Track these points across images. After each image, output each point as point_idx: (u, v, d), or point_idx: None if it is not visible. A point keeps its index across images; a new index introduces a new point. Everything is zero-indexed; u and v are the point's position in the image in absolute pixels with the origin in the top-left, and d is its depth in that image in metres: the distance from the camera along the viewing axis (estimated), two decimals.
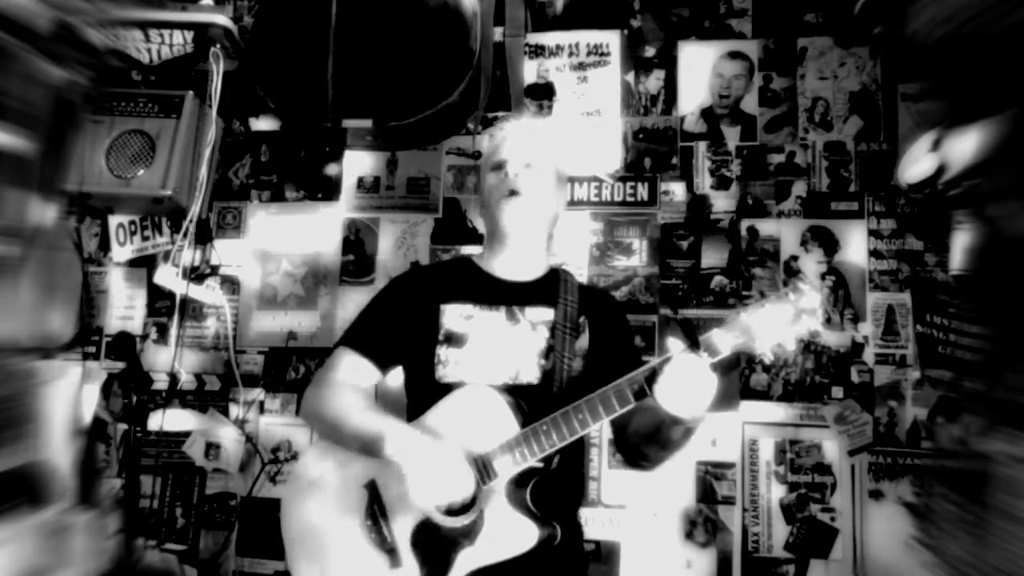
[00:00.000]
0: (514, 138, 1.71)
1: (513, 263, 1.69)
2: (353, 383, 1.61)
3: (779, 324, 1.35)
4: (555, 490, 1.51)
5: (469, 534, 1.43)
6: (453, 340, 1.60)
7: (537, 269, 1.71)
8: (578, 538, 1.69)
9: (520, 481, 1.45)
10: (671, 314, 2.56)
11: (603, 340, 1.66)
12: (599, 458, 2.51)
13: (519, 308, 1.63)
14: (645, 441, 1.52)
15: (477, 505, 1.43)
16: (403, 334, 1.64)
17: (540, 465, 1.45)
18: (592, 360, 1.63)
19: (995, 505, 1.07)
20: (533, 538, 1.42)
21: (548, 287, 1.68)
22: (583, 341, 1.64)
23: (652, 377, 1.36)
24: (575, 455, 1.57)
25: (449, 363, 1.59)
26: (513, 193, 1.62)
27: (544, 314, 1.63)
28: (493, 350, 1.59)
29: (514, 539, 1.43)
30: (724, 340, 1.35)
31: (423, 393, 1.59)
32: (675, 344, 1.35)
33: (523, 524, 1.43)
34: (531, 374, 1.58)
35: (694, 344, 1.33)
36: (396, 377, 1.70)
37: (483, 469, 1.43)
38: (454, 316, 1.62)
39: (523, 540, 1.42)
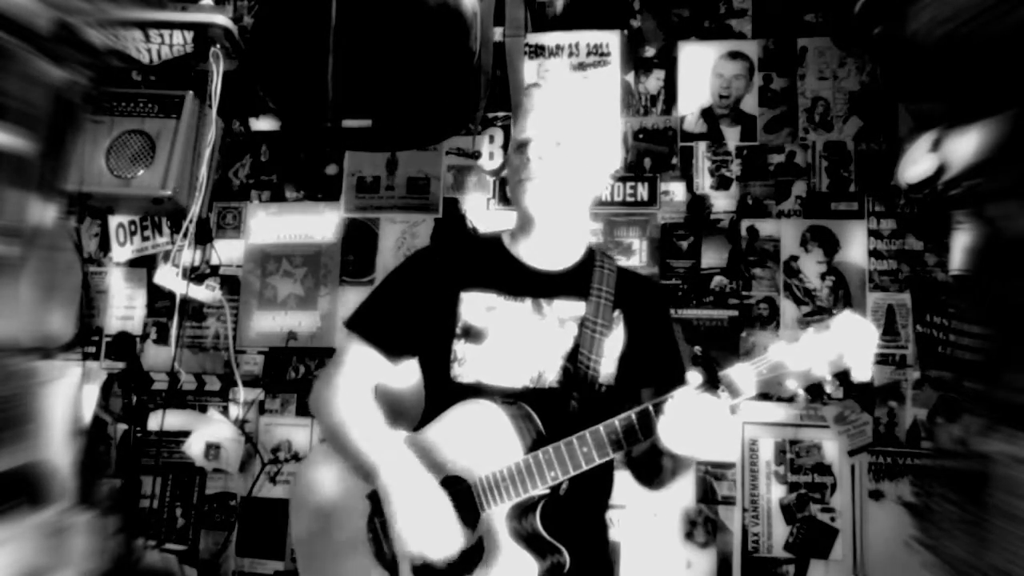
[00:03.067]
0: (543, 110, 1.49)
1: (542, 250, 1.53)
2: (361, 380, 1.52)
3: (818, 361, 1.14)
4: (569, 510, 1.39)
5: (467, 562, 1.34)
6: (472, 335, 1.47)
7: (570, 256, 1.55)
8: (601, 554, 1.57)
9: (526, 508, 1.34)
10: (695, 350, 2.54)
11: (639, 337, 1.52)
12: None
13: (546, 301, 1.48)
14: (642, 462, 1.45)
15: (475, 533, 1.35)
16: (417, 323, 1.52)
17: (547, 492, 1.33)
18: (626, 361, 1.49)
19: (995, 505, 1.07)
20: (533, 574, 1.31)
21: (581, 276, 1.52)
22: (615, 340, 1.49)
23: (659, 410, 1.22)
24: (599, 468, 1.37)
25: (466, 361, 1.47)
26: (534, 178, 1.45)
27: (574, 308, 1.48)
28: (515, 348, 1.46)
29: (512, 574, 1.32)
30: (748, 379, 1.18)
31: (438, 392, 1.50)
32: (693, 377, 1.21)
33: (522, 558, 1.31)
34: (554, 378, 1.45)
35: (712, 381, 1.19)
36: (398, 378, 1.67)
37: (481, 496, 1.35)
38: (474, 307, 1.48)
39: (522, 575, 1.31)
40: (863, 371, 1.13)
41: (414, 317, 1.53)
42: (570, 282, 1.51)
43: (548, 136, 1.45)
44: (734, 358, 1.21)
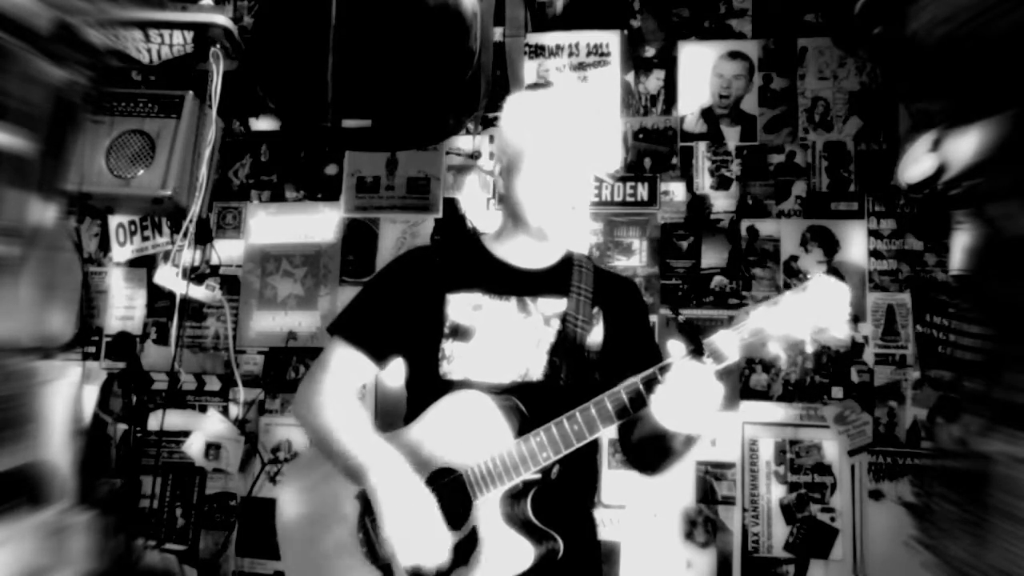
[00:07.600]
0: (590, 141, 1.52)
1: (529, 251, 1.56)
2: (347, 382, 1.52)
3: (796, 322, 1.18)
4: (559, 497, 1.41)
5: (462, 553, 1.34)
6: (460, 334, 1.49)
7: (552, 256, 1.58)
8: (590, 542, 1.60)
9: (518, 494, 1.36)
10: (671, 314, 2.56)
11: (618, 332, 1.56)
12: (599, 458, 2.51)
13: (531, 299, 1.52)
14: (644, 447, 1.45)
15: (469, 523, 1.35)
16: (403, 326, 1.53)
17: (538, 476, 1.36)
18: (606, 355, 1.53)
19: (995, 505, 1.07)
20: (529, 558, 1.33)
21: (561, 275, 1.56)
22: (596, 335, 1.54)
23: (650, 385, 1.25)
24: (583, 456, 1.41)
25: (455, 358, 1.49)
26: (577, 208, 1.49)
27: (556, 305, 1.52)
28: (502, 345, 1.49)
29: (509, 559, 1.33)
30: (731, 343, 1.21)
31: (425, 390, 1.50)
32: (676, 348, 1.24)
33: (518, 543, 1.33)
34: (540, 371, 1.48)
35: (697, 348, 1.21)
36: (397, 378, 1.68)
37: (473, 484, 1.36)
38: (461, 307, 1.51)
39: (518, 560, 1.33)
40: (840, 329, 1.18)
41: (399, 319, 1.54)
42: (551, 280, 1.55)
43: (594, 170, 1.53)
44: (718, 326, 1.24)
